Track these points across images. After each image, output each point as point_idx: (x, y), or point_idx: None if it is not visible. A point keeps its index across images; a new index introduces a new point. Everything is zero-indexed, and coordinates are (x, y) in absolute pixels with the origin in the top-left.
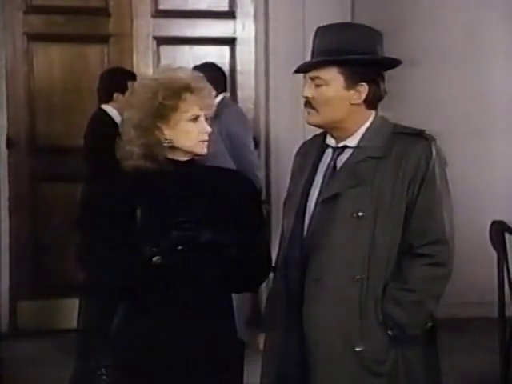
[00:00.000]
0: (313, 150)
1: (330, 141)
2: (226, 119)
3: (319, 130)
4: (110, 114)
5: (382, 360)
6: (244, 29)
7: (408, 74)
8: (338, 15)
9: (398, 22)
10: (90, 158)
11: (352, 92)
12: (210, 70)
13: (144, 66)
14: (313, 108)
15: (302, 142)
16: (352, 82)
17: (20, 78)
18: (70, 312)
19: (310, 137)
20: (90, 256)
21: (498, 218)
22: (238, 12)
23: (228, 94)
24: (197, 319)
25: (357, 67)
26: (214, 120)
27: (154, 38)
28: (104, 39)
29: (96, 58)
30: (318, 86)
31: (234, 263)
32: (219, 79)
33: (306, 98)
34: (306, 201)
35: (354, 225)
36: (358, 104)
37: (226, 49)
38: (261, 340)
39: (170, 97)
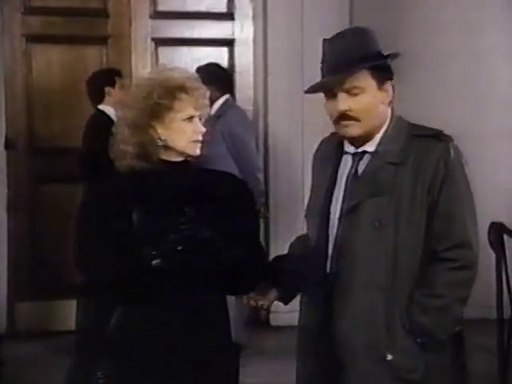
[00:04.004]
0: (331, 152)
1: (349, 147)
2: (229, 120)
3: (319, 134)
4: (108, 113)
5: (413, 368)
6: (242, 30)
7: (407, 76)
8: (336, 16)
9: (395, 24)
10: (88, 159)
11: (383, 93)
12: (213, 71)
13: (142, 68)
14: (352, 119)
15: (300, 143)
16: (381, 83)
17: (18, 79)
18: (68, 313)
19: (308, 139)
20: (88, 258)
21: (496, 219)
22: (237, 13)
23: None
24: (195, 321)
25: (383, 68)
26: (216, 121)
27: (153, 39)
28: (102, 40)
29: (94, 60)
30: (354, 95)
31: (231, 265)
32: (223, 80)
33: (344, 111)
34: (329, 209)
35: (375, 234)
36: (386, 104)
37: (224, 50)
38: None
39: (164, 96)
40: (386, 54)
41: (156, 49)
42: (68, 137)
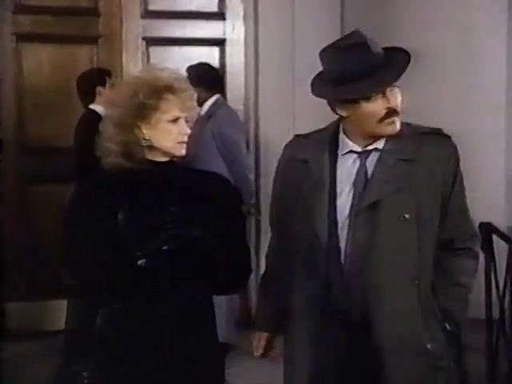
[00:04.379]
0: (320, 156)
1: (353, 146)
2: (219, 120)
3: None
4: (99, 112)
5: (443, 355)
6: (234, 30)
7: None
8: (327, 16)
9: (387, 23)
10: (79, 158)
11: None
12: (204, 71)
13: (133, 67)
14: (397, 115)
15: None
16: None
17: (9, 78)
18: (60, 313)
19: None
20: (73, 257)
21: (485, 219)
22: (228, 13)
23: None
24: (181, 322)
25: None
26: (207, 121)
27: (144, 38)
28: (93, 40)
29: (85, 59)
30: (393, 91)
31: (217, 265)
32: (213, 80)
33: (396, 106)
34: (336, 213)
35: (402, 228)
36: None
37: (215, 50)
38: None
39: (150, 96)
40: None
41: (147, 48)
42: (59, 136)
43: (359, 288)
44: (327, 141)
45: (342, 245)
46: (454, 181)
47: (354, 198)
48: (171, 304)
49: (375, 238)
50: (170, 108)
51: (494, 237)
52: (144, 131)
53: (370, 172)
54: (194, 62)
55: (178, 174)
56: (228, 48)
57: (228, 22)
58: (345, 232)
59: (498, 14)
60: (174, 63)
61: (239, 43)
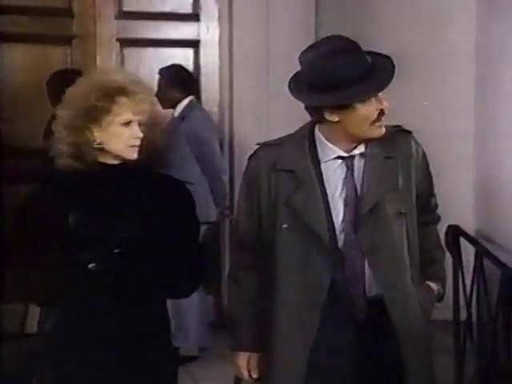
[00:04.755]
0: (306, 164)
1: (338, 151)
2: (193, 122)
3: (285, 134)
4: None
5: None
6: (208, 31)
7: None
8: (301, 17)
9: (362, 21)
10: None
11: None
12: (177, 72)
13: None
14: (383, 117)
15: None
16: None
17: None
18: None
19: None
20: (22, 259)
21: (453, 222)
22: (202, 14)
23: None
24: (132, 324)
25: None
26: (180, 122)
27: (118, 39)
28: (67, 40)
29: (59, 60)
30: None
31: (169, 267)
32: (187, 81)
33: (385, 108)
34: (332, 218)
35: (399, 223)
36: None
37: (190, 51)
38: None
39: (102, 99)
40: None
41: (121, 49)
42: (33, 137)
43: (362, 288)
44: (307, 147)
45: (343, 247)
46: (423, 170)
47: (345, 202)
48: (122, 307)
49: (378, 237)
50: (123, 111)
51: (462, 239)
52: (95, 134)
53: (357, 176)
54: (169, 63)
55: (130, 176)
56: (202, 49)
57: (202, 23)
58: (342, 236)
59: (469, 14)
60: (148, 64)
61: (214, 44)
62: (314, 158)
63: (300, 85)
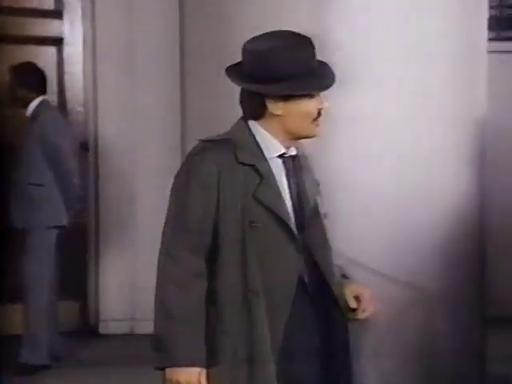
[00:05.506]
0: (261, 159)
1: (281, 148)
2: (42, 123)
3: (150, 133)
4: None
5: None
6: (72, 29)
7: None
8: (165, 15)
9: (228, 23)
10: None
11: None
12: (28, 71)
13: None
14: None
15: (131, 143)
16: None
17: None
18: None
19: (138, 138)
20: None
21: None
22: (65, 11)
23: (47, 97)
24: None
25: None
26: (32, 122)
27: None
28: None
29: None
30: None
31: None
32: (37, 81)
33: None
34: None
35: (324, 225)
36: None
37: (53, 49)
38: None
39: None
40: None
41: None
42: None
43: (318, 275)
44: (254, 143)
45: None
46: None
47: (292, 201)
48: None
49: (320, 236)
50: None
51: None
52: None
53: (293, 176)
54: (34, 61)
55: None
56: (66, 47)
57: (65, 20)
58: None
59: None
60: (8, 62)
61: (77, 43)
62: (262, 154)
63: (242, 75)
